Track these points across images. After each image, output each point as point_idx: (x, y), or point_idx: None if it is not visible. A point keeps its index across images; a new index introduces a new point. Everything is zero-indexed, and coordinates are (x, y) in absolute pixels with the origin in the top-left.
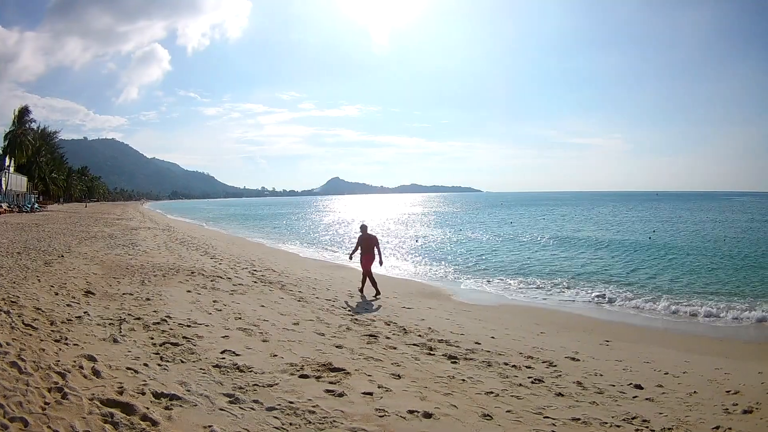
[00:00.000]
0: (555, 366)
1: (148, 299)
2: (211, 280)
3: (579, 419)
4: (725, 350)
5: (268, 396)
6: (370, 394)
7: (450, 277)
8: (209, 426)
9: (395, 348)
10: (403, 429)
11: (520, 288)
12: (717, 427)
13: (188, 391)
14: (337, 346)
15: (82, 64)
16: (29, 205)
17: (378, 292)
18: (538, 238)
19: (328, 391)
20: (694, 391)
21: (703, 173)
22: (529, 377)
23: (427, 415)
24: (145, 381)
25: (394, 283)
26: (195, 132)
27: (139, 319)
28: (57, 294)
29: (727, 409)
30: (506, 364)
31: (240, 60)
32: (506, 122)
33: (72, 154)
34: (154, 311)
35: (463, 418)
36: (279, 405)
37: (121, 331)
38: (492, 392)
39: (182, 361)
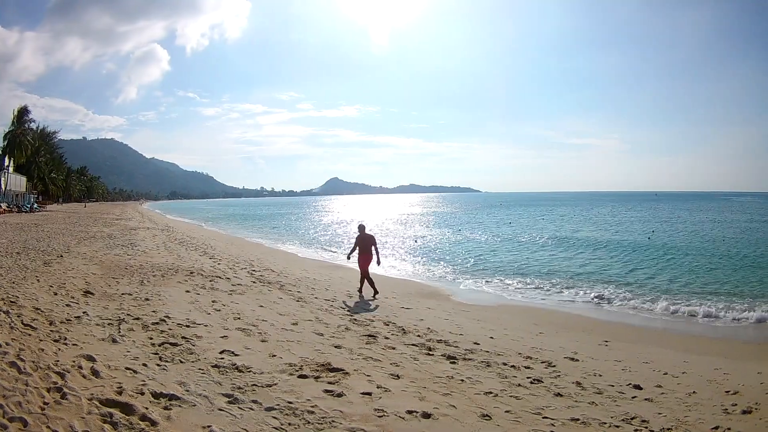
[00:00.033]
0: (554, 366)
1: (147, 299)
2: (210, 281)
3: (578, 419)
4: (724, 350)
5: (266, 396)
6: (369, 394)
7: (449, 278)
8: (208, 426)
9: (394, 348)
10: (401, 429)
11: (518, 288)
12: (716, 428)
13: (187, 391)
14: (336, 346)
15: (81, 64)
16: (28, 205)
17: (376, 292)
18: (537, 239)
19: (326, 391)
20: (693, 392)
21: (702, 173)
22: (527, 377)
23: (426, 416)
24: (144, 381)
25: (392, 284)
26: (194, 132)
27: (138, 319)
28: (56, 294)
29: (727, 409)
30: (505, 364)
31: (239, 60)
32: (505, 122)
33: (71, 154)
34: (153, 311)
35: (462, 418)
36: (278, 405)
37: (120, 331)
38: (491, 392)
39: (181, 361)
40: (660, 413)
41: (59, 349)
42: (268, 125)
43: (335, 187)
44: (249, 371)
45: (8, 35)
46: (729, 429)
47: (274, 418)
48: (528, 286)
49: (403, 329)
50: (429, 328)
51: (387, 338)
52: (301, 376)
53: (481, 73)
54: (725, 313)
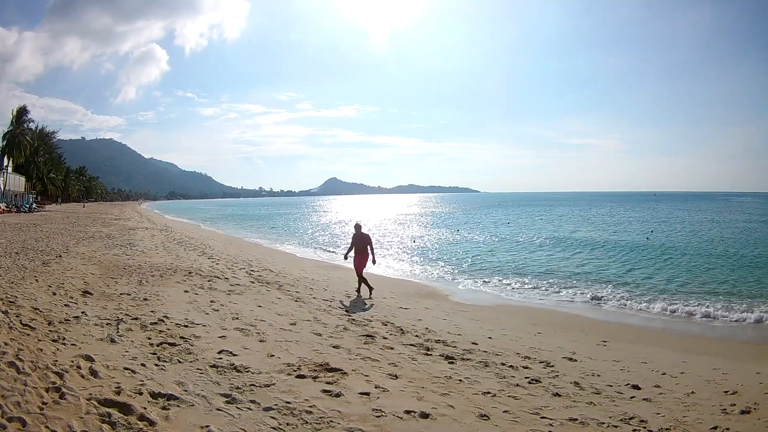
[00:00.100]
0: (552, 366)
1: (145, 299)
2: (209, 281)
3: (576, 419)
4: (723, 350)
5: (265, 396)
6: (367, 394)
7: (447, 278)
8: (206, 426)
9: (392, 348)
10: (400, 429)
11: (517, 288)
12: (715, 428)
13: (185, 391)
14: (334, 347)
15: (80, 64)
16: (27, 205)
17: (371, 289)
18: (535, 239)
19: (325, 391)
20: (692, 392)
21: (702, 174)
22: (526, 377)
23: (424, 416)
24: (142, 381)
25: (391, 284)
26: (193, 132)
27: (136, 319)
28: (55, 294)
29: (725, 409)
30: (503, 364)
31: (238, 60)
32: (505, 122)
33: (70, 154)
34: (152, 311)
35: (460, 419)
36: (276, 405)
37: (118, 331)
38: (489, 392)
39: (179, 361)
40: (658, 413)
41: (58, 349)
42: (266, 125)
43: (334, 187)
44: (247, 371)
45: (7, 35)
46: (728, 429)
47: (273, 418)
48: (526, 286)
49: (402, 329)
50: (427, 328)
51: (385, 338)
52: (299, 376)
53: (481, 73)
54: (724, 313)
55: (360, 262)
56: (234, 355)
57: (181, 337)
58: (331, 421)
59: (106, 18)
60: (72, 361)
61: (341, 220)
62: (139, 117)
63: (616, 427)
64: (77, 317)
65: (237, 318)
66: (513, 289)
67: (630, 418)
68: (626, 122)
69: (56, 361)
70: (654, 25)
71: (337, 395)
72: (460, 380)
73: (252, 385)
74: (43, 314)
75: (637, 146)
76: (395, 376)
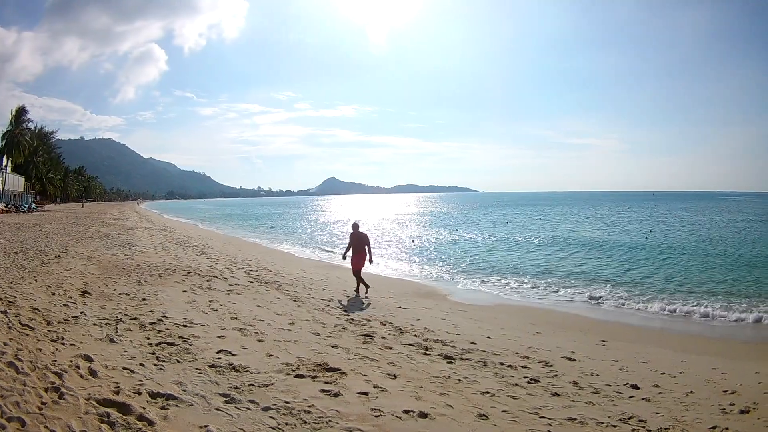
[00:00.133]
0: (551, 366)
1: (144, 299)
2: (207, 280)
3: (575, 419)
4: (722, 350)
5: (263, 396)
6: (366, 394)
7: (446, 277)
8: (205, 426)
9: (391, 348)
10: (398, 429)
11: (515, 288)
12: (714, 427)
13: (184, 390)
14: (332, 346)
15: (79, 64)
16: (26, 205)
17: (367, 287)
18: (534, 238)
19: (323, 391)
20: (691, 391)
21: (701, 173)
22: (525, 377)
23: (423, 415)
24: (141, 381)
25: (389, 283)
26: (191, 132)
27: (135, 319)
28: (54, 294)
29: (724, 409)
30: (502, 364)
31: (236, 60)
32: (503, 122)
33: (69, 154)
34: (151, 311)
35: (459, 418)
36: (275, 405)
37: (117, 331)
38: (488, 392)
39: (178, 361)
40: (657, 413)
41: (57, 349)
42: (265, 125)
43: (332, 186)
44: (246, 371)
45: (6, 35)
46: (727, 429)
47: (271, 417)
48: (525, 286)
49: (400, 329)
50: (426, 328)
51: (384, 338)
52: (298, 376)
53: (480, 72)
54: (722, 313)
55: (357, 262)
56: (233, 354)
57: (180, 337)
58: (329, 420)
59: (105, 18)
60: (71, 361)
61: (340, 220)
62: (138, 117)
63: (615, 426)
64: (76, 317)
65: (236, 318)
66: (512, 288)
67: (629, 418)
68: (625, 122)
69: (55, 361)
70: (653, 24)
71: (336, 395)
72: (459, 380)
73: (251, 384)
74: (42, 314)
75: (636, 146)
76: (394, 375)
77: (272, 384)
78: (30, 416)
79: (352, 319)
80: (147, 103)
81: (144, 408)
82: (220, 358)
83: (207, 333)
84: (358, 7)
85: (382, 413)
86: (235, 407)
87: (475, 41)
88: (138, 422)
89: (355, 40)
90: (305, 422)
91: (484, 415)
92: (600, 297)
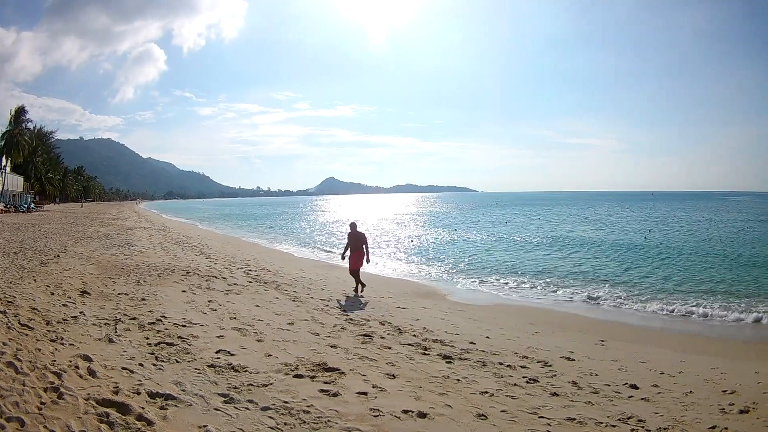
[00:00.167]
0: (550, 366)
1: (143, 299)
2: (206, 280)
3: (574, 419)
4: (721, 350)
5: (262, 396)
6: (365, 393)
7: (445, 277)
8: (204, 426)
9: (390, 348)
10: (397, 429)
11: (514, 288)
12: (713, 427)
13: (183, 390)
14: (331, 346)
15: (78, 63)
16: (25, 205)
17: (363, 286)
18: (533, 238)
19: (322, 390)
20: (690, 391)
21: (700, 173)
22: (524, 377)
23: (422, 415)
24: (140, 381)
25: (388, 283)
26: (190, 132)
27: (134, 319)
28: (53, 294)
29: (724, 408)
30: (501, 363)
31: (235, 60)
32: (502, 122)
33: (68, 154)
34: (150, 311)
35: (458, 418)
36: (274, 405)
37: (116, 331)
38: (487, 392)
39: (177, 361)
40: (657, 413)
41: (56, 349)
42: (264, 125)
43: (331, 186)
44: (245, 371)
45: (6, 35)
46: (726, 429)
47: (270, 417)
48: (524, 286)
49: (399, 329)
50: (425, 328)
51: (383, 338)
52: (296, 376)
53: (479, 72)
54: (722, 313)
55: (356, 261)
56: (232, 354)
57: (179, 337)
58: (328, 420)
59: (104, 18)
60: (70, 361)
61: (339, 220)
62: (137, 117)
63: (614, 426)
64: (75, 317)
65: (235, 318)
66: (511, 288)
67: (628, 418)
68: (625, 122)
69: (54, 361)
70: (652, 24)
71: (335, 395)
72: (458, 380)
73: (250, 384)
74: (41, 314)
75: (635, 146)
76: (393, 375)
77: (271, 384)
78: (29, 416)
79: (351, 319)
80: (146, 103)
81: (143, 408)
82: (219, 358)
83: (206, 333)
84: (357, 7)
85: (381, 413)
86: (234, 407)
87: (474, 41)
88: (137, 422)
89: (355, 40)
90: (304, 422)
91: (483, 414)
92: (599, 297)
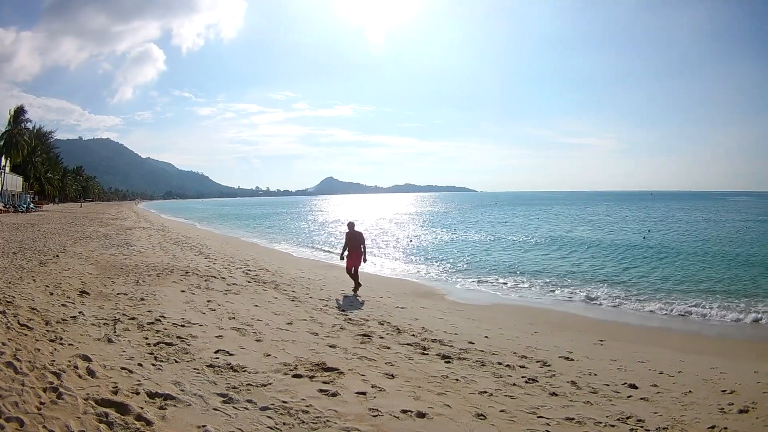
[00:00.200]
0: (549, 366)
1: (142, 299)
2: (205, 280)
3: (573, 419)
4: (720, 349)
5: (261, 396)
6: (364, 393)
7: (443, 277)
8: (203, 426)
9: (389, 348)
10: (396, 428)
11: (513, 287)
12: (713, 427)
13: (182, 390)
14: (330, 346)
15: (77, 63)
16: (25, 205)
17: (359, 286)
18: (532, 238)
19: (321, 390)
20: (690, 391)
21: (699, 173)
22: (522, 377)
23: (421, 415)
24: (139, 381)
25: (387, 283)
26: (189, 132)
27: (133, 319)
28: (52, 294)
29: (723, 408)
30: (500, 363)
31: (234, 60)
32: (502, 122)
33: (67, 154)
34: (149, 311)
35: (457, 418)
36: (272, 405)
37: (115, 331)
38: (486, 392)
39: (176, 361)
40: (656, 413)
41: (55, 349)
42: (263, 125)
43: (330, 186)
44: (244, 371)
45: (5, 35)
46: (725, 428)
47: (269, 417)
48: (523, 286)
49: (398, 329)
50: (424, 328)
51: (382, 338)
52: (295, 376)
53: (478, 72)
54: (721, 312)
55: (354, 260)
56: (231, 354)
57: (178, 337)
58: (327, 420)
59: (103, 18)
60: (69, 361)
61: (337, 220)
62: (136, 117)
63: (613, 426)
64: (74, 317)
65: (234, 318)
66: (509, 288)
67: (627, 418)
68: (624, 122)
69: (54, 361)
70: (651, 24)
71: (334, 395)
72: (457, 380)
73: (249, 384)
74: (40, 314)
75: (634, 146)
76: (392, 375)
77: (270, 384)
78: (29, 416)
79: (350, 319)
80: (145, 103)
81: (142, 408)
82: (218, 358)
83: (205, 333)
84: (356, 7)
85: (379, 413)
86: (233, 407)
87: (473, 41)
88: (136, 422)
89: (354, 40)
90: (303, 422)
91: (482, 414)
92: (598, 296)
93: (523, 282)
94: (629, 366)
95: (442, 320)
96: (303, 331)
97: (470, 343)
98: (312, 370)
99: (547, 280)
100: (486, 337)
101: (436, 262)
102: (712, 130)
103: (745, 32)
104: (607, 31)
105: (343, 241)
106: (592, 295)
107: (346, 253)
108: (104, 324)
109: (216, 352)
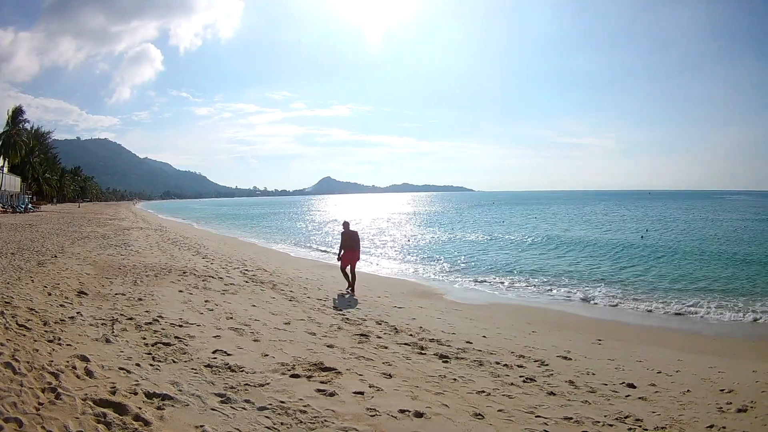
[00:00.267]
0: (547, 365)
1: (140, 299)
2: (203, 280)
3: (571, 418)
4: (719, 349)
5: (259, 396)
6: (362, 393)
7: (441, 277)
8: (201, 426)
9: (386, 347)
10: (394, 428)
11: (511, 287)
12: (711, 426)
13: (180, 390)
14: (328, 346)
15: (75, 64)
16: (23, 206)
17: (353, 284)
18: (529, 237)
19: (319, 390)
20: (688, 390)
21: (697, 172)
22: (520, 376)
23: (419, 415)
24: (137, 381)
25: (385, 283)
26: (187, 132)
27: (131, 319)
28: (50, 294)
29: (721, 407)
30: (498, 363)
31: (232, 60)
32: (501, 122)
33: (65, 155)
34: (146, 311)
35: (455, 418)
36: (270, 405)
37: (113, 332)
38: (483, 391)
39: (174, 361)
40: (654, 412)
41: (53, 349)
42: (260, 125)
43: (328, 186)
44: (241, 371)
45: (3, 35)
46: (724, 428)
47: (267, 417)
48: (520, 285)
49: (396, 328)
50: (421, 327)
51: (379, 337)
52: (293, 376)
53: (477, 72)
54: (719, 311)
55: (351, 259)
56: (228, 354)
57: (176, 337)
58: (325, 420)
59: (101, 18)
60: (67, 362)
61: (335, 219)
62: (134, 117)
63: (611, 425)
64: (72, 317)
65: (231, 318)
66: (507, 287)
67: (625, 417)
68: (623, 122)
69: (52, 361)
70: (650, 24)
71: (332, 394)
72: (455, 379)
73: (246, 384)
74: (38, 315)
75: (633, 145)
76: (389, 375)
77: (268, 384)
78: (27, 417)
79: (347, 319)
80: (142, 103)
81: (140, 408)
82: (215, 358)
83: (203, 333)
84: (354, 7)
85: (377, 413)
86: (231, 407)
87: (472, 41)
88: (134, 422)
89: (351, 39)
90: (301, 422)
91: (479, 414)
92: (595, 296)
93: (520, 281)
94: (627, 365)
95: (440, 320)
96: (300, 331)
97: (468, 342)
98: (310, 370)
99: (545, 280)
100: (484, 336)
101: (434, 261)
102: (712, 130)
103: (744, 32)
104: (606, 32)
105: (340, 241)
106: (589, 294)
107: (342, 252)
108: (102, 324)
109: (214, 352)
